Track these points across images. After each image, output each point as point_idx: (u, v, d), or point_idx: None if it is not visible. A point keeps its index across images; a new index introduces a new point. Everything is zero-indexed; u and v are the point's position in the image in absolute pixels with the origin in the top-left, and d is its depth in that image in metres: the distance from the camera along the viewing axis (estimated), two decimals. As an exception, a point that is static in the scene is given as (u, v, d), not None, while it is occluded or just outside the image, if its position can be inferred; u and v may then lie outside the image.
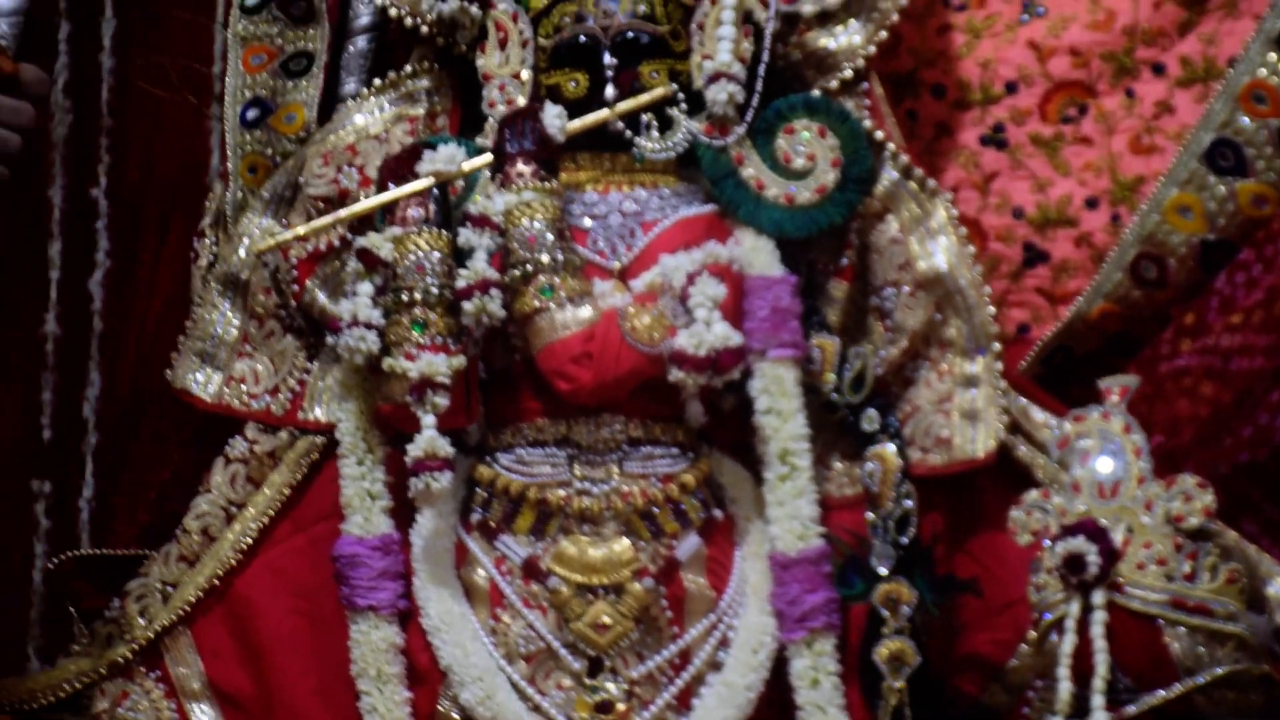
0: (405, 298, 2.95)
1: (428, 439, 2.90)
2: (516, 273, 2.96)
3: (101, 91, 3.71)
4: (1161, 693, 2.73)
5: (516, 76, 3.13)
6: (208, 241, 3.35)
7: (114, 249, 3.83)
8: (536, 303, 2.97)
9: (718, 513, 3.06)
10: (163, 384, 3.60)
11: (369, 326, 2.96)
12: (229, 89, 3.43)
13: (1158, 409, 3.08)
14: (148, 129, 3.81)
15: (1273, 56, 3.10)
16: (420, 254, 2.97)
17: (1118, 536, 2.79)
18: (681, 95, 3.09)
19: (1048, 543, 2.84)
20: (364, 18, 3.35)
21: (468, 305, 2.92)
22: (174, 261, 3.67)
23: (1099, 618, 2.73)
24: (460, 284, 2.94)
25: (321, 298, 3.11)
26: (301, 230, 3.10)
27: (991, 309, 3.11)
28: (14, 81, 2.81)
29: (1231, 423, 3.10)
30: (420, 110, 3.25)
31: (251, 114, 3.39)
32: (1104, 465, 2.88)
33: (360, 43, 3.37)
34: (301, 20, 3.40)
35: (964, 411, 3.07)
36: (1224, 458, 3.05)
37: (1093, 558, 2.73)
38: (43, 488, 3.83)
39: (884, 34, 3.17)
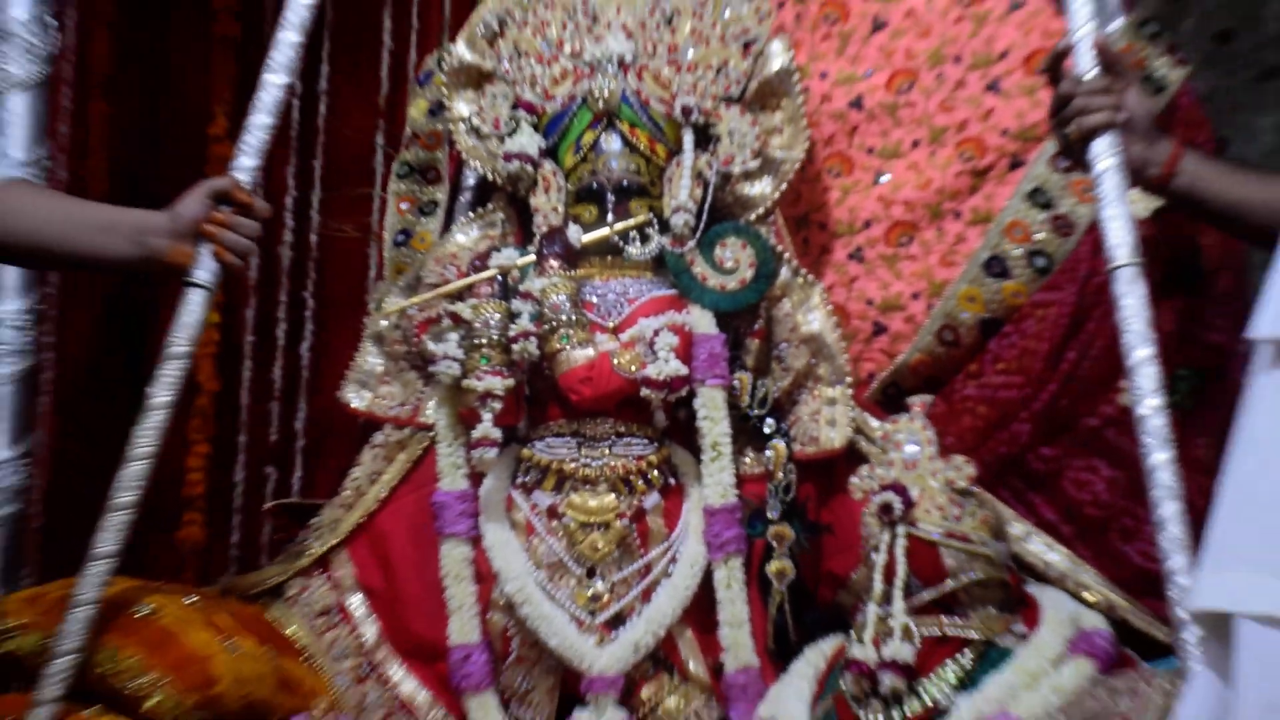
0: (477, 342, 3.12)
1: (484, 428, 3.09)
2: (546, 328, 3.14)
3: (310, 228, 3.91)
4: (936, 590, 2.92)
5: (555, 209, 3.26)
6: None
7: (315, 329, 4.09)
8: (558, 345, 3.16)
9: (672, 481, 3.22)
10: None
11: (454, 360, 3.13)
12: (388, 225, 3.58)
13: (953, 423, 3.24)
14: (334, 256, 4.07)
15: (1024, 205, 3.27)
16: (487, 316, 3.15)
17: (914, 493, 2.95)
18: (655, 221, 3.24)
19: (873, 497, 2.97)
20: (470, 179, 3.50)
21: (515, 347, 3.10)
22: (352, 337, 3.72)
23: (900, 543, 2.91)
24: (511, 334, 3.11)
25: (430, 345, 3.19)
26: (417, 300, 3.25)
27: (847, 356, 3.25)
28: (249, 209, 2.90)
29: (996, 431, 3.26)
30: (496, 231, 3.37)
31: (399, 239, 3.56)
32: (909, 450, 3.04)
33: (467, 195, 3.50)
34: (432, 182, 3.56)
35: (828, 420, 3.23)
36: (991, 451, 3.22)
37: (897, 506, 2.90)
38: (270, 473, 4.08)
39: (785, 185, 3.29)
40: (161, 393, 2.88)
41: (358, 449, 3.61)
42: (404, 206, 3.59)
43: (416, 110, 3.60)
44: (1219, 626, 2.07)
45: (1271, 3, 4.05)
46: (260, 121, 3.00)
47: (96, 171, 3.99)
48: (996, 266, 3.31)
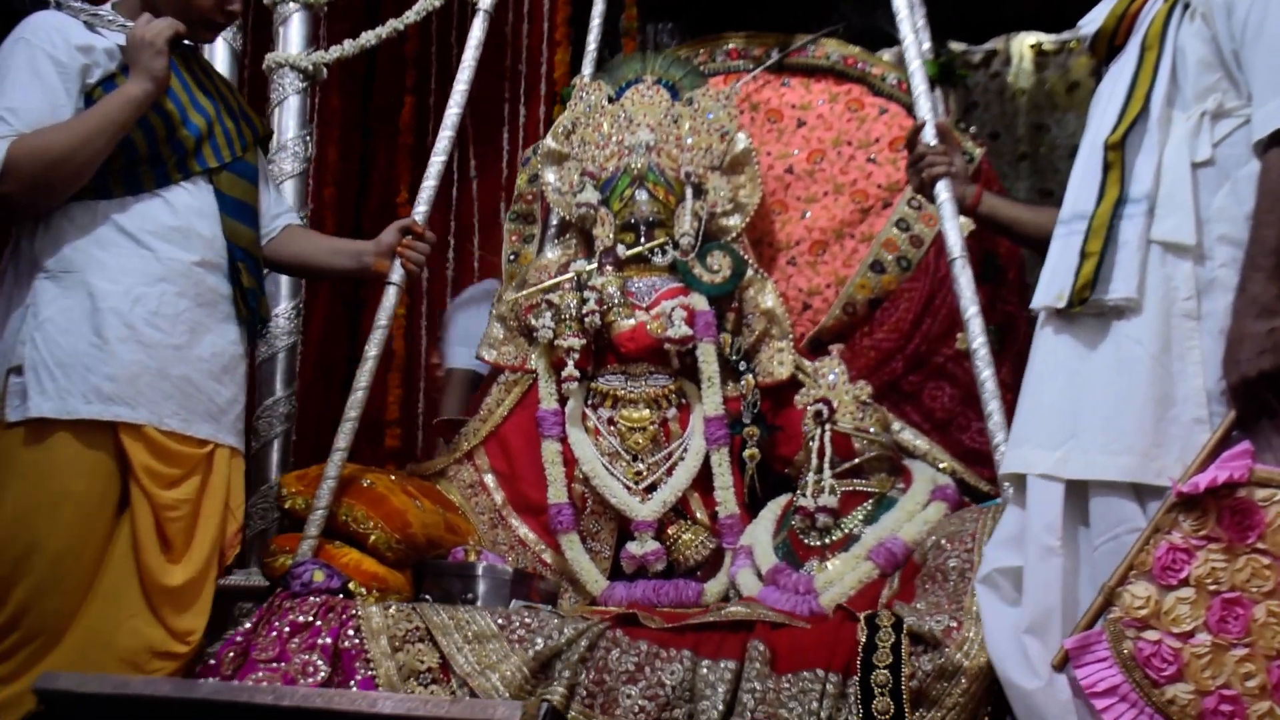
0: (563, 315, 3.05)
1: (569, 370, 3.01)
2: (605, 306, 3.04)
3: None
4: (849, 463, 2.87)
5: (608, 236, 3.14)
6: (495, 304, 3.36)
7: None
8: (613, 317, 3.07)
9: (684, 401, 3.09)
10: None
11: (549, 329, 3.04)
12: (504, 251, 3.44)
13: (855, 362, 3.09)
14: (468, 269, 4.01)
15: (893, 229, 3.19)
16: (569, 301, 3.06)
17: (835, 403, 2.88)
18: (670, 242, 3.13)
19: (810, 407, 2.91)
20: (554, 218, 3.35)
21: (586, 320, 3.03)
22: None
23: (827, 434, 2.87)
24: (584, 311, 3.03)
25: (533, 320, 3.11)
26: (524, 294, 3.16)
27: (789, 322, 3.16)
28: (422, 238, 2.86)
29: (881, 367, 3.13)
30: (571, 251, 3.25)
31: (511, 258, 3.42)
32: (830, 377, 2.95)
33: (552, 230, 3.37)
34: (530, 223, 3.41)
35: (778, 361, 3.12)
36: (879, 380, 3.08)
37: (825, 411, 2.88)
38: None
39: (748, 219, 3.19)
40: (372, 349, 2.87)
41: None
42: (514, 238, 3.48)
43: (521, 179, 3.47)
44: (1019, 482, 2.13)
45: (1019, 115, 4.07)
46: (429, 184, 2.97)
47: (330, 226, 4.00)
48: (878, 267, 3.21)
